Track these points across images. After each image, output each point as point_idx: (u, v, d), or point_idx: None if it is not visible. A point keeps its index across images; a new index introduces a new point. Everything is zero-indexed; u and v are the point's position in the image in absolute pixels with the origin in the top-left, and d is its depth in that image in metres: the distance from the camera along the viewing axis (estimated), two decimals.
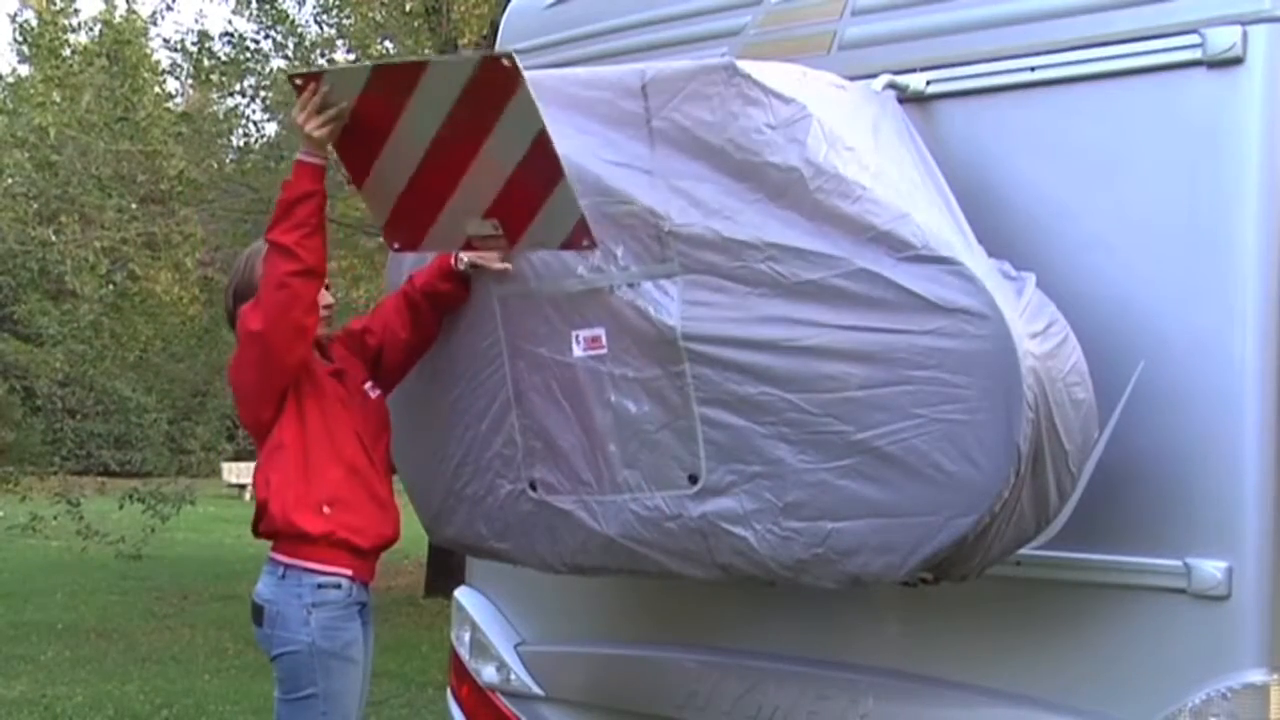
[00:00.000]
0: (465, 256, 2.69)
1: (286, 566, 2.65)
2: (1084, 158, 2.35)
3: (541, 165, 2.37)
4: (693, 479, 2.40)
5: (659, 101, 2.37)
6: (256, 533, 2.72)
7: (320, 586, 2.63)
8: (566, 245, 2.46)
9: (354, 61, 10.08)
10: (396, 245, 2.72)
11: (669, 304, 2.38)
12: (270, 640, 2.66)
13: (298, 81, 2.54)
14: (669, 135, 2.36)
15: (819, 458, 2.24)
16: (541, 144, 2.34)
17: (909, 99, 2.48)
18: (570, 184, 2.37)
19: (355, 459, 2.69)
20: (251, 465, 23.41)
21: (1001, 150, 2.42)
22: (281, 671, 2.65)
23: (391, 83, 2.44)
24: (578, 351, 2.53)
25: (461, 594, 3.28)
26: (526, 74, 2.30)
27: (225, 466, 22.27)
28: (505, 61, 2.30)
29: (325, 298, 2.75)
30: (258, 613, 2.67)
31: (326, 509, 2.63)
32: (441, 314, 2.78)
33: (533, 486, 2.67)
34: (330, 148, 2.57)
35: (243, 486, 22.44)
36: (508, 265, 2.63)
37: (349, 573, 2.66)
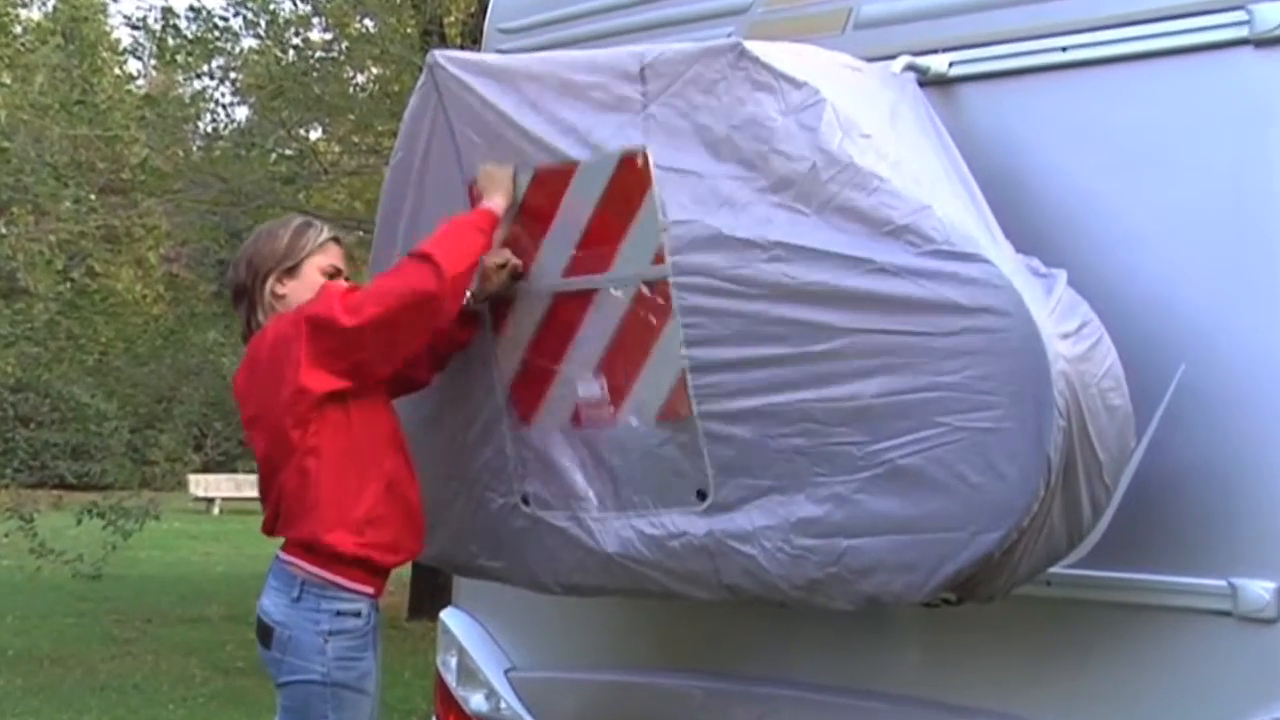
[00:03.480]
0: (472, 294, 2.66)
1: (304, 581, 2.60)
2: (1120, 145, 2.36)
3: (655, 303, 2.40)
4: (701, 495, 2.42)
5: (657, 86, 2.38)
6: (271, 530, 2.68)
7: (339, 614, 2.60)
8: (665, 414, 2.43)
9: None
10: (516, 417, 2.67)
11: (666, 308, 2.39)
12: (280, 666, 2.64)
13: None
14: (667, 123, 2.38)
15: (833, 471, 2.25)
16: (660, 281, 2.38)
17: (930, 82, 2.49)
18: (676, 330, 2.37)
19: (396, 469, 2.66)
20: (220, 477, 23.28)
21: (1031, 137, 2.43)
22: (290, 700, 2.64)
23: (546, 186, 2.53)
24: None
25: (448, 616, 3.29)
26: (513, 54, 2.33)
27: (192, 479, 22.23)
28: (639, 160, 2.36)
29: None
30: (266, 633, 2.64)
31: (364, 530, 2.60)
32: (438, 356, 2.75)
33: (525, 501, 2.68)
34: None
35: (211, 500, 22.45)
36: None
37: (370, 591, 2.66)
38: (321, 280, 2.71)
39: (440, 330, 2.63)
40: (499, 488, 2.72)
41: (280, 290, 2.69)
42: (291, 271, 2.69)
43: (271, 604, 2.65)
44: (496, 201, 2.59)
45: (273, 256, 2.69)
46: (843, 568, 2.27)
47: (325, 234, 2.77)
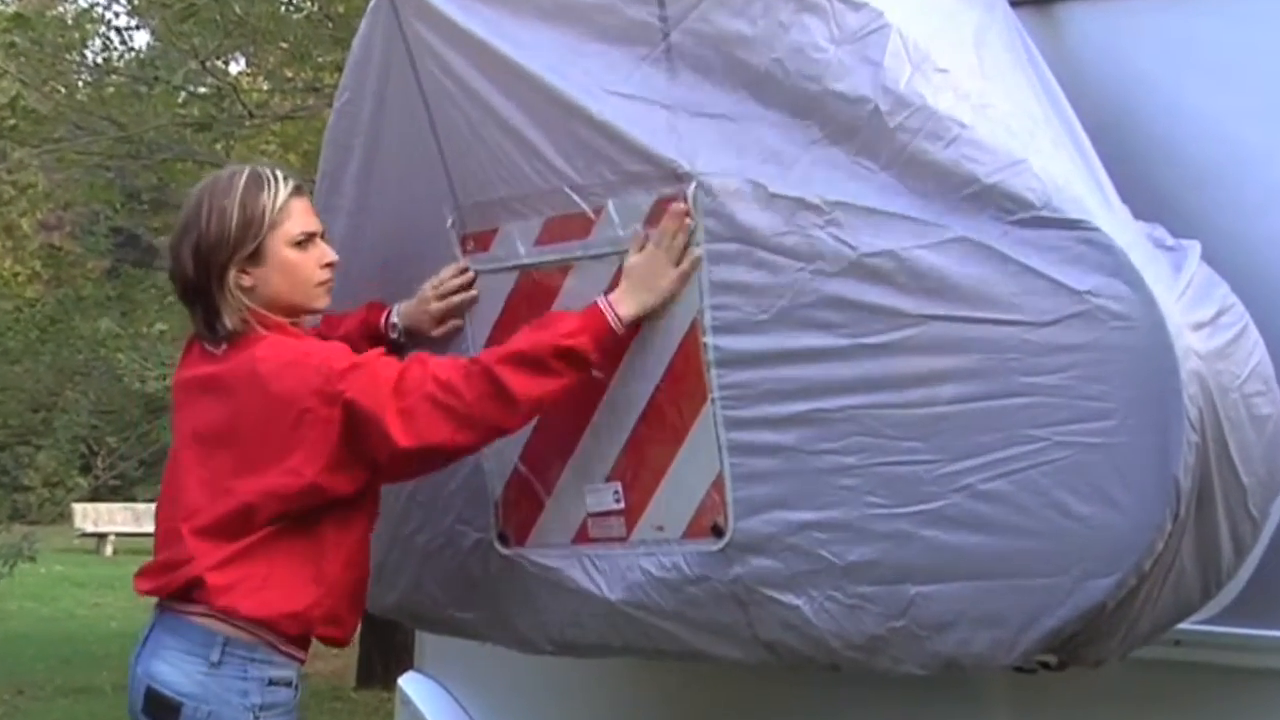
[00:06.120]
0: (399, 318, 2.80)
1: (227, 640, 2.59)
2: (1270, 81, 2.37)
3: (684, 383, 2.46)
4: (717, 530, 2.45)
5: (680, 8, 2.42)
6: (153, 592, 2.69)
7: (272, 683, 2.62)
8: (693, 531, 2.49)
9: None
10: (507, 537, 2.74)
11: (689, 285, 2.43)
12: None
13: None
14: (694, 55, 2.41)
15: (896, 498, 2.27)
16: (690, 342, 2.44)
17: (1026, 1, 2.51)
18: (712, 426, 2.43)
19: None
20: (114, 507, 23.19)
21: (1154, 72, 2.44)
22: None
23: (563, 232, 2.59)
24: None
25: (408, 682, 3.33)
26: None
27: (78, 509, 22.30)
28: (679, 204, 2.42)
29: (328, 254, 2.71)
30: (168, 711, 2.62)
31: (318, 627, 2.66)
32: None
33: (506, 535, 2.72)
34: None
35: (102, 537, 22.53)
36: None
37: (303, 656, 2.69)
38: (293, 256, 2.66)
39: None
40: (474, 520, 2.76)
41: (246, 282, 2.64)
42: (254, 257, 2.64)
43: (174, 671, 2.63)
44: (625, 309, 2.51)
45: (225, 244, 2.62)
46: (911, 621, 2.29)
47: (283, 190, 2.66)
